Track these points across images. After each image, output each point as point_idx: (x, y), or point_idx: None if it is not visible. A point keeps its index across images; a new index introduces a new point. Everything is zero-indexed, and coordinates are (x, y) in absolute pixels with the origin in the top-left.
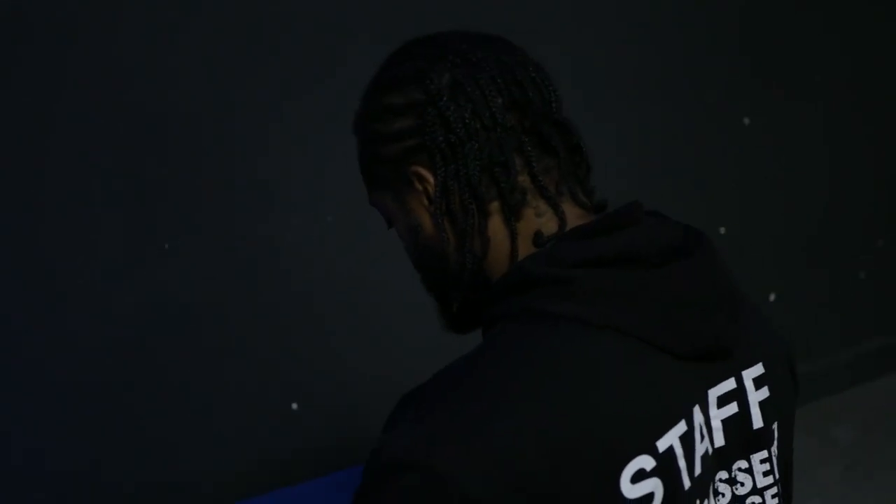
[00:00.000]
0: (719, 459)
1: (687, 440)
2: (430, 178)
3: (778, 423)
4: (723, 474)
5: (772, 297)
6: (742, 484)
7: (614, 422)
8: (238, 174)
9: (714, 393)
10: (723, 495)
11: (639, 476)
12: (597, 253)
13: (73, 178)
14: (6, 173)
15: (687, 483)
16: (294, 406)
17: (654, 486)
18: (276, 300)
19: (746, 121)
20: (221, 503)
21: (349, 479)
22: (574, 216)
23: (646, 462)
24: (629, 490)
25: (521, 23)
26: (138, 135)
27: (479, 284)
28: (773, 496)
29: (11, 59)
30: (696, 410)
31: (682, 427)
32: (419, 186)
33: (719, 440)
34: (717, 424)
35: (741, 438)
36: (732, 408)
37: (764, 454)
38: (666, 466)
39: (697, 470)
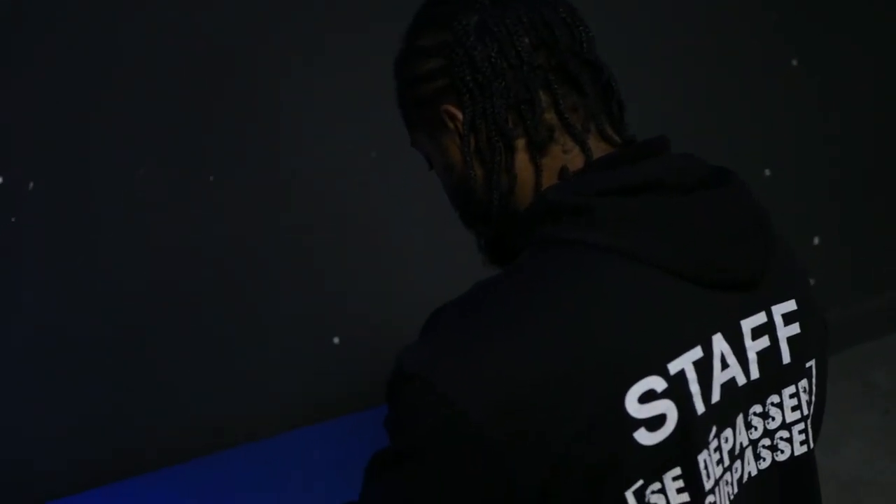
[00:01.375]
0: (754, 392)
1: (702, 366)
2: (460, 117)
3: (809, 362)
4: (757, 408)
5: (816, 241)
6: (773, 418)
7: (621, 343)
8: (280, 112)
9: (748, 325)
10: (755, 428)
11: (648, 397)
12: (620, 181)
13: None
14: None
15: (700, 408)
16: (336, 340)
17: (665, 407)
18: (319, 234)
19: (794, 62)
20: (263, 435)
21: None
22: (601, 152)
23: (655, 383)
24: (637, 410)
25: None
26: (167, 71)
27: (507, 219)
28: (801, 432)
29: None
30: (719, 338)
31: (697, 353)
32: (451, 125)
33: (755, 372)
34: (752, 356)
35: (773, 373)
36: (764, 341)
37: (792, 389)
38: (677, 389)
39: (715, 397)
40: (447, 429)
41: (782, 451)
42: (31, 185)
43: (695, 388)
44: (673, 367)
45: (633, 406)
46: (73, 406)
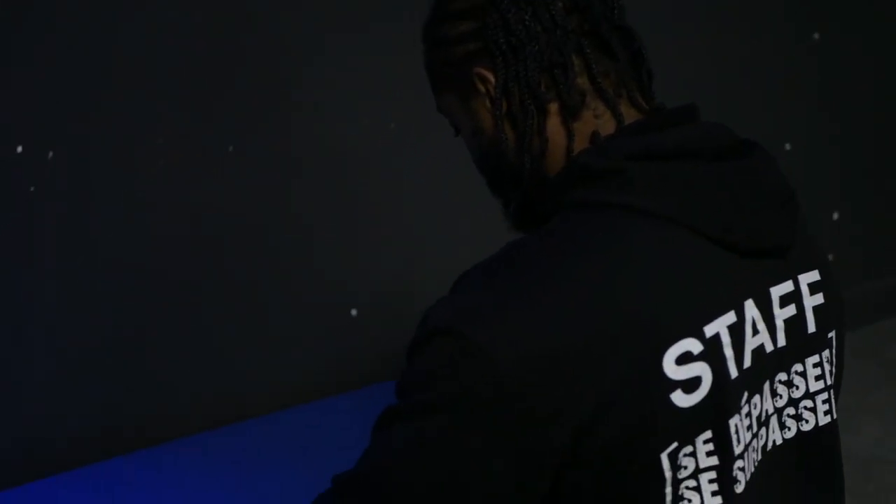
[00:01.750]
0: (780, 360)
1: (736, 331)
2: (492, 80)
3: (831, 333)
4: (782, 376)
5: (835, 216)
6: (797, 387)
7: (659, 304)
8: (296, 79)
9: (776, 292)
10: (780, 396)
11: (685, 359)
12: (650, 147)
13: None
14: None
15: (734, 373)
16: (354, 312)
17: (701, 370)
18: (336, 205)
19: (816, 35)
20: (280, 407)
21: None
22: (632, 118)
23: (692, 345)
24: (674, 371)
25: None
26: (193, 36)
27: (537, 183)
28: (825, 402)
29: None
30: (750, 304)
31: (731, 317)
32: (482, 88)
33: (781, 340)
34: (780, 324)
35: (798, 341)
36: (791, 309)
37: (816, 359)
38: (713, 352)
39: (747, 363)
40: (483, 380)
41: (807, 421)
42: (51, 154)
43: (729, 352)
44: (709, 331)
45: (670, 367)
46: (93, 368)
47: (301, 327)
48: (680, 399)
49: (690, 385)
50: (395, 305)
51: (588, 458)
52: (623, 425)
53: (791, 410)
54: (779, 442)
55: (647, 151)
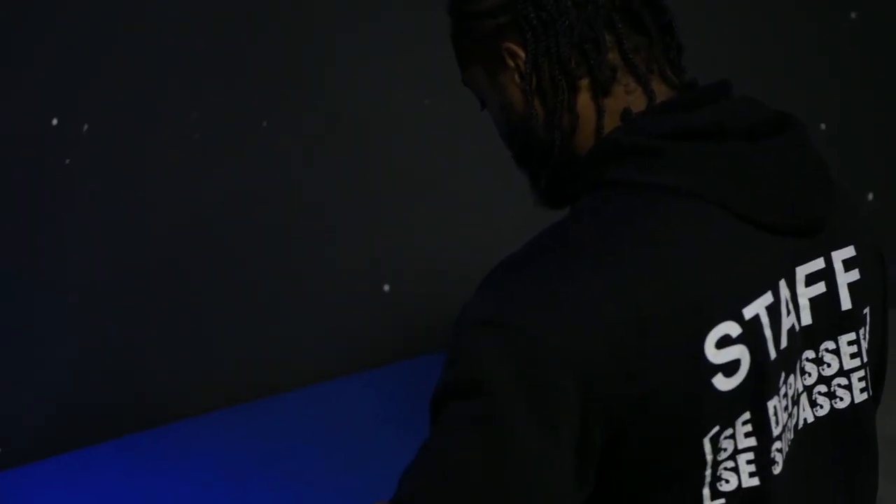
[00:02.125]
0: (806, 338)
1: (773, 311)
2: (522, 55)
3: (869, 309)
4: (809, 353)
5: (870, 197)
6: (829, 365)
7: (699, 287)
8: (328, 53)
9: (802, 271)
10: (809, 374)
11: (724, 342)
12: (684, 125)
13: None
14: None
15: (773, 353)
16: (386, 288)
17: (740, 352)
18: (370, 181)
19: (853, 15)
20: (314, 380)
21: (437, 362)
22: (663, 94)
23: (731, 328)
24: (714, 355)
25: None
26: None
27: (567, 160)
28: (861, 379)
29: None
30: (783, 284)
31: (768, 298)
32: (511, 63)
33: (806, 318)
34: (804, 302)
35: (829, 319)
36: (820, 287)
37: (852, 336)
38: (752, 334)
39: (783, 343)
40: (536, 369)
41: (841, 399)
42: (86, 127)
43: (768, 333)
44: (748, 312)
45: (711, 351)
46: (132, 344)
47: (334, 303)
48: (721, 383)
49: (730, 368)
50: (427, 281)
51: (633, 442)
52: (668, 411)
53: (822, 388)
54: (810, 420)
55: (679, 130)
